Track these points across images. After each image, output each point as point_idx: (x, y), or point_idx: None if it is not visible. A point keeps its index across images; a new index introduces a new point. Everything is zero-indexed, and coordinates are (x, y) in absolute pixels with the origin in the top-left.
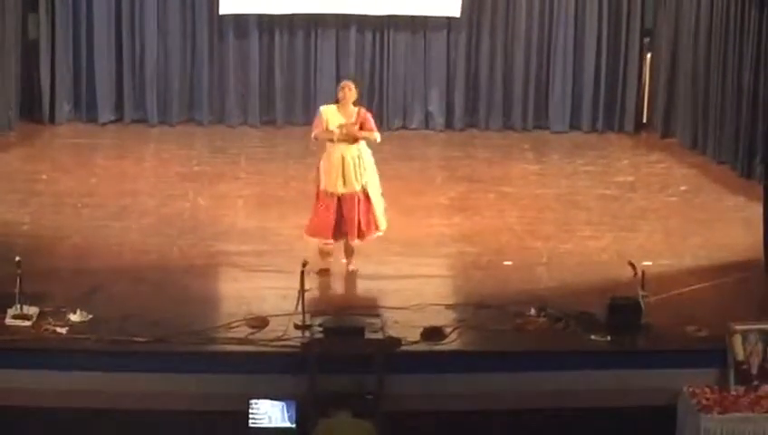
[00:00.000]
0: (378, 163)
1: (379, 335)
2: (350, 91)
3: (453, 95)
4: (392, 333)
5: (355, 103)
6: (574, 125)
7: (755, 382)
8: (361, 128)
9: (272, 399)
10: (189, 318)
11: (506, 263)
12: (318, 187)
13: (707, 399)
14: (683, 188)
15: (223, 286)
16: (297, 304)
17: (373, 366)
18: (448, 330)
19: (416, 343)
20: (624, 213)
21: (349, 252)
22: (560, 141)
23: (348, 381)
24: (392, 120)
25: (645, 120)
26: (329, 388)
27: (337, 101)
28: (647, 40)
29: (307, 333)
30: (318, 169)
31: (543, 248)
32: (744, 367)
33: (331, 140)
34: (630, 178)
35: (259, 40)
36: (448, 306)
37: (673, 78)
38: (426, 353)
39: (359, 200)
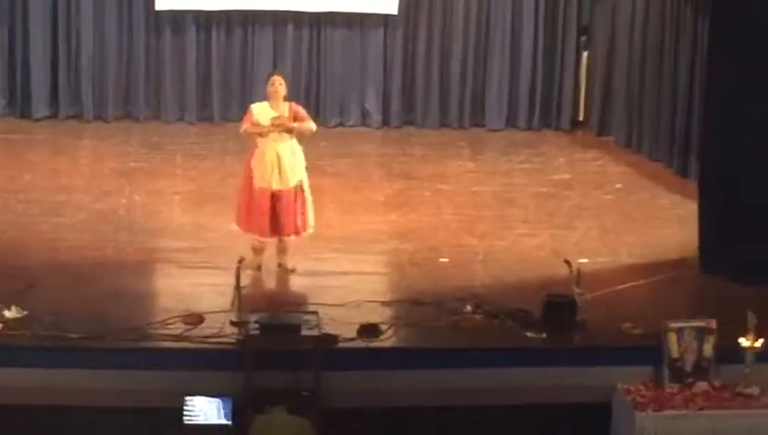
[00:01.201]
0: (314, 160)
1: (315, 332)
2: (280, 85)
3: (390, 92)
4: (328, 329)
5: (285, 99)
6: (511, 123)
7: (690, 380)
8: (295, 120)
9: (207, 395)
10: (125, 314)
11: (442, 260)
12: (250, 183)
13: (642, 396)
14: (618, 185)
15: (158, 283)
16: (233, 300)
17: (309, 363)
18: (384, 327)
19: (352, 339)
20: (560, 211)
21: (282, 249)
22: (496, 139)
23: (284, 378)
24: (329, 118)
25: (581, 118)
26: (265, 384)
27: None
28: (583, 38)
29: (243, 330)
30: (249, 164)
31: (479, 246)
32: (679, 364)
33: (260, 135)
34: (566, 176)
35: (196, 36)
36: (384, 303)
37: (609, 76)
38: (362, 350)
39: (294, 196)
